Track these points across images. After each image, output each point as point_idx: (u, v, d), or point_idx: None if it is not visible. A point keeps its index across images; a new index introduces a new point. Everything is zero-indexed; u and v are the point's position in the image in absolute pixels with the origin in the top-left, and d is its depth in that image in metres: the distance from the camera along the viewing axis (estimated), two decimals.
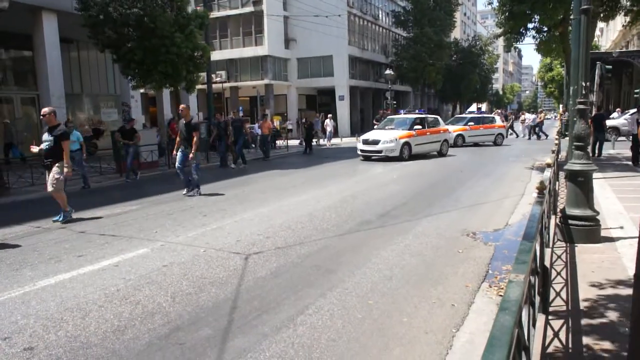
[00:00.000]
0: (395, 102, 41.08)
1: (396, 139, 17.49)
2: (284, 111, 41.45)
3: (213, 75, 26.71)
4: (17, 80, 20.71)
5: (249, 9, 39.58)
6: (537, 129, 27.92)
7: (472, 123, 24.39)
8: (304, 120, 25.32)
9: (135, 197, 10.76)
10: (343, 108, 40.23)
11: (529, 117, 29.95)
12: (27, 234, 7.47)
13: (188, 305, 4.40)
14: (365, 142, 18.13)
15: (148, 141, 16.05)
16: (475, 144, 24.00)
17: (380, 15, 48.97)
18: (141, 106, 23.26)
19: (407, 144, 17.79)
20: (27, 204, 10.73)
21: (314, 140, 27.46)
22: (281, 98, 42.44)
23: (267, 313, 4.21)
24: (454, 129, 23.02)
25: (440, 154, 19.29)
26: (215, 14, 36.83)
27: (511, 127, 30.82)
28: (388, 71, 35.62)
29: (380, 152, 17.45)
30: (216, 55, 34.34)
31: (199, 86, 19.85)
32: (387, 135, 17.83)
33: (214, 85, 24.03)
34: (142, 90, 21.65)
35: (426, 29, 42.11)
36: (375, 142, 17.80)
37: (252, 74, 40.74)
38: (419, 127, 18.53)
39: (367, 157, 18.03)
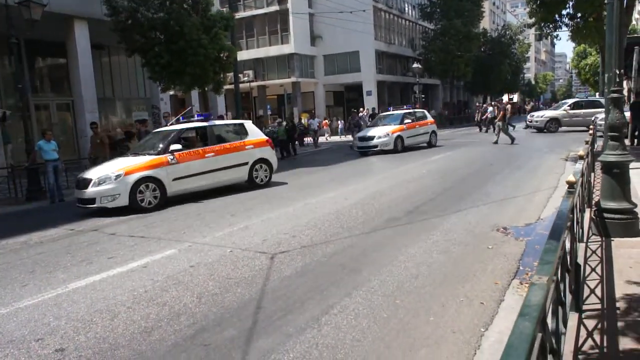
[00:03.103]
0: (423, 95, 40.54)
1: (120, 177, 9.32)
2: (312, 108, 41.51)
3: (240, 75, 26.92)
4: (53, 87, 21.38)
5: (274, 7, 39.83)
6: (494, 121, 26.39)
7: (408, 120, 19.56)
8: (277, 120, 22.85)
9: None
10: (371, 103, 39.98)
11: (490, 110, 27.73)
12: (61, 237, 7.71)
13: (214, 306, 4.43)
14: (77, 185, 9.83)
15: None
16: (408, 148, 19.04)
17: (406, 9, 48.44)
18: (170, 108, 23.65)
19: (149, 179, 9.57)
20: (61, 207, 11.07)
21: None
22: (309, 95, 42.57)
23: (291, 313, 4.19)
24: (391, 130, 18.61)
25: (252, 183, 11.52)
26: (240, 14, 37.18)
27: (491, 122, 28.61)
28: (416, 65, 35.12)
29: (92, 200, 9.27)
30: (243, 55, 34.69)
31: (227, 86, 20.03)
32: (103, 171, 9.61)
33: (241, 85, 24.21)
34: (171, 93, 22.04)
35: (454, 20, 41.33)
36: (86, 184, 9.40)
37: (279, 72, 40.99)
38: (177, 146, 10.18)
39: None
